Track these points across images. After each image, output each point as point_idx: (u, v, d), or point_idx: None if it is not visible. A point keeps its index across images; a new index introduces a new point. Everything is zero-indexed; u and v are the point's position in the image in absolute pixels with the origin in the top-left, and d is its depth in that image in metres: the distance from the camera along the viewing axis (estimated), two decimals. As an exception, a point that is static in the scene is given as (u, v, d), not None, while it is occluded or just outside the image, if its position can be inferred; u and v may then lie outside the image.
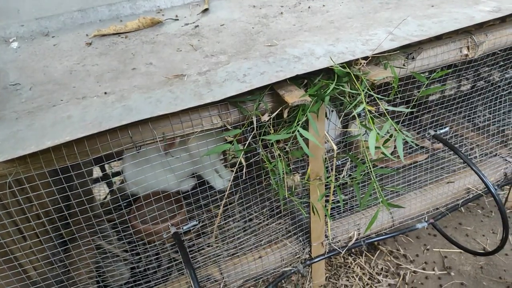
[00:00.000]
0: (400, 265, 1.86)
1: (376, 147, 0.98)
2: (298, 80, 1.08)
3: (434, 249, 1.93)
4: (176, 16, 1.55)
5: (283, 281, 1.79)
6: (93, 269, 1.35)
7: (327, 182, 1.25)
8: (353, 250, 1.94)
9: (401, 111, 1.08)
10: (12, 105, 1.03)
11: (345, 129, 1.66)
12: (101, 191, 2.30)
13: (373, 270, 1.87)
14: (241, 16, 1.50)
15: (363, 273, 1.85)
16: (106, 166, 2.34)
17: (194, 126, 1.02)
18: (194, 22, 1.47)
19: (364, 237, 1.58)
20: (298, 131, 1.01)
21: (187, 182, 1.84)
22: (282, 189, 1.16)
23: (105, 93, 1.04)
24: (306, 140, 1.06)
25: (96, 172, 2.33)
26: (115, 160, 1.96)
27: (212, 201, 1.62)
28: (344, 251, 1.52)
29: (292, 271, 1.50)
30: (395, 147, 0.97)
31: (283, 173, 1.10)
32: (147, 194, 1.59)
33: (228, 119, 1.05)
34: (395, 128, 0.98)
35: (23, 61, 1.29)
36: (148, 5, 1.57)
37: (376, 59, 1.13)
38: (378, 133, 0.95)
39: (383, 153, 1.02)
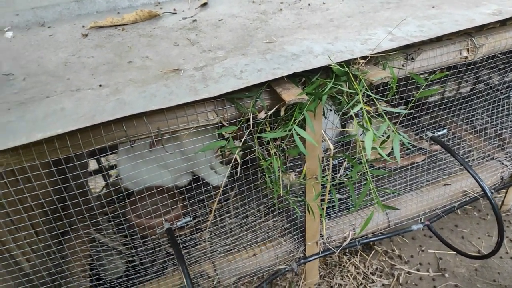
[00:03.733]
0: (395, 265, 1.86)
1: (373, 148, 0.97)
2: (296, 78, 1.07)
3: (429, 251, 1.92)
4: (174, 9, 1.53)
5: (278, 278, 1.78)
6: (86, 262, 1.34)
7: (323, 181, 1.24)
8: (348, 250, 1.93)
9: (399, 112, 1.07)
10: (4, 95, 1.01)
11: (343, 129, 1.64)
12: (97, 184, 2.29)
13: (368, 270, 1.86)
14: (240, 11, 1.48)
15: (358, 273, 1.85)
16: (103, 159, 2.33)
17: (190, 122, 1.01)
18: (192, 16, 1.45)
19: (358, 237, 1.57)
20: (294, 129, 1.00)
21: (183, 177, 1.83)
22: (277, 187, 1.15)
23: (100, 85, 1.02)
24: (302, 139, 1.05)
25: (92, 165, 2.32)
26: (108, 154, 1.95)
27: (209, 197, 1.61)
28: (338, 251, 1.51)
29: (286, 269, 1.49)
30: (392, 148, 0.96)
31: (278, 171, 1.09)
32: (143, 189, 1.57)
33: (224, 116, 1.04)
34: (392, 129, 0.97)
35: (17, 51, 1.26)
36: (146, -2, 1.55)
37: (375, 59, 1.12)
38: (375, 134, 0.94)
39: (380, 154, 1.00)
